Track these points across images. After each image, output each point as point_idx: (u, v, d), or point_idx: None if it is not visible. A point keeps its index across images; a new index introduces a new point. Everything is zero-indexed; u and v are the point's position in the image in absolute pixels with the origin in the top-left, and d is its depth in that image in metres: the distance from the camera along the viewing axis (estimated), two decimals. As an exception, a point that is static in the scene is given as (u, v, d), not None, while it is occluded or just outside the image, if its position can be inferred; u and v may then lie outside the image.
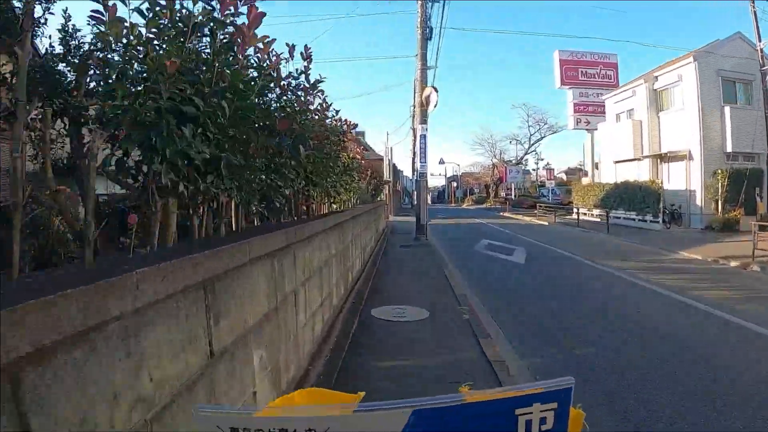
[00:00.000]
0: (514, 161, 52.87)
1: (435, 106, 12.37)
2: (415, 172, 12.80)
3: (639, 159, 21.29)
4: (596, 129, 28.66)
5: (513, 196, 42.19)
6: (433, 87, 12.32)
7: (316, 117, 4.09)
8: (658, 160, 20.85)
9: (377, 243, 11.84)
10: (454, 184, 65.48)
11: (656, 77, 20.88)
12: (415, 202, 14.12)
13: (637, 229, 18.83)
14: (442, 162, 54.34)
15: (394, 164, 30.75)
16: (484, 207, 44.46)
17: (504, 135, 63.42)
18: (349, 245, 6.07)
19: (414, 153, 40.90)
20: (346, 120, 5.68)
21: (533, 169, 58.65)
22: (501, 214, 31.56)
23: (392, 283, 7.12)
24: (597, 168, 29.39)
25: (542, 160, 59.08)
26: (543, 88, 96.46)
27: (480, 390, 0.74)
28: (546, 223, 22.48)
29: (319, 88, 3.83)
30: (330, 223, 4.21)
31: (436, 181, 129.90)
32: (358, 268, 7.18)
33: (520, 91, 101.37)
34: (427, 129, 12.60)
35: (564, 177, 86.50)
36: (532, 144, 52.01)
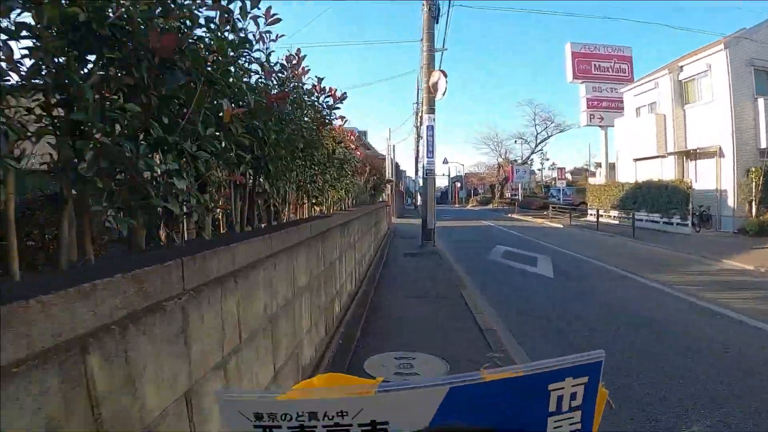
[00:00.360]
0: (519, 161, 51.21)
1: (444, 93, 10.74)
2: (421, 169, 11.16)
3: (663, 156, 19.59)
4: (611, 126, 27.07)
5: (520, 197, 40.69)
6: (441, 71, 10.68)
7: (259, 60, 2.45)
8: (684, 158, 19.15)
9: (378, 251, 10.22)
10: (458, 184, 63.69)
11: (681, 67, 19.19)
12: (420, 203, 12.38)
13: (663, 232, 17.17)
14: (446, 162, 52.68)
15: (396, 163, 29.12)
16: (490, 208, 42.78)
17: (509, 134, 61.84)
18: (335, 263, 4.43)
19: (417, 152, 39.20)
20: (331, 89, 4.04)
21: (539, 169, 57.07)
22: (509, 215, 29.93)
23: (395, 312, 5.46)
24: (612, 167, 27.90)
25: (548, 159, 57.55)
26: (550, 85, 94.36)
27: (507, 367, 0.72)
28: (560, 226, 20.79)
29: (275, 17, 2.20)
30: (295, 238, 2.58)
31: (439, 182, 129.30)
32: (350, 290, 5.53)
33: (526, 88, 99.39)
34: (434, 119, 10.97)
35: (569, 177, 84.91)
36: (539, 143, 49.94)
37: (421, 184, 43.93)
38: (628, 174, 22.05)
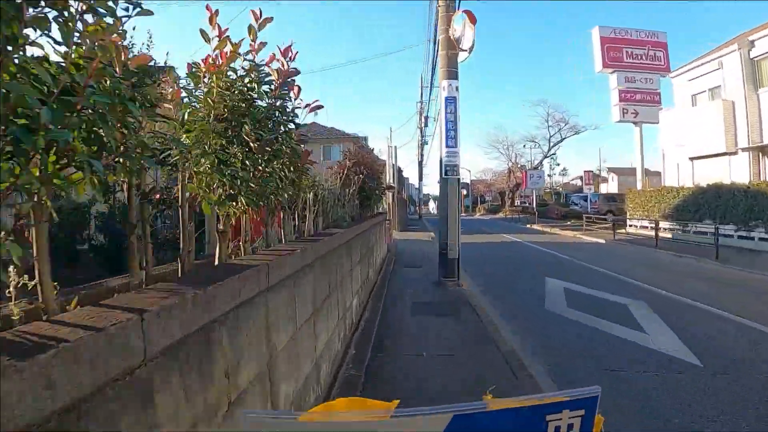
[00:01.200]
0: (530, 165, 47.30)
1: (471, 50, 6.85)
2: (441, 166, 7.07)
3: (732, 153, 15.63)
4: (647, 122, 23.19)
5: (534, 205, 36.67)
6: (466, 12, 6.76)
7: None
8: (760, 154, 15.20)
9: (369, 298, 6.23)
10: (464, 191, 59.74)
11: (753, 42, 15.29)
12: (437, 214, 8.26)
13: (748, 250, 13.17)
14: None
15: (399, 168, 25.21)
16: (501, 217, 38.92)
17: (520, 137, 57.46)
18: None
19: (420, 156, 35.61)
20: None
21: (549, 175, 53.27)
22: (529, 226, 25.92)
23: None
24: (645, 172, 24.11)
25: (558, 165, 53.68)
26: (563, 85, 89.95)
27: (508, 397, 0.76)
28: (602, 241, 16.73)
29: None
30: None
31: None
32: None
33: (538, 88, 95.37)
34: (457, 89, 7.04)
35: (579, 183, 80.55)
36: (552, 146, 46.42)
37: (426, 191, 39.03)
38: (683, 176, 18.07)
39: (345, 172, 5.38)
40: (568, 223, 27.00)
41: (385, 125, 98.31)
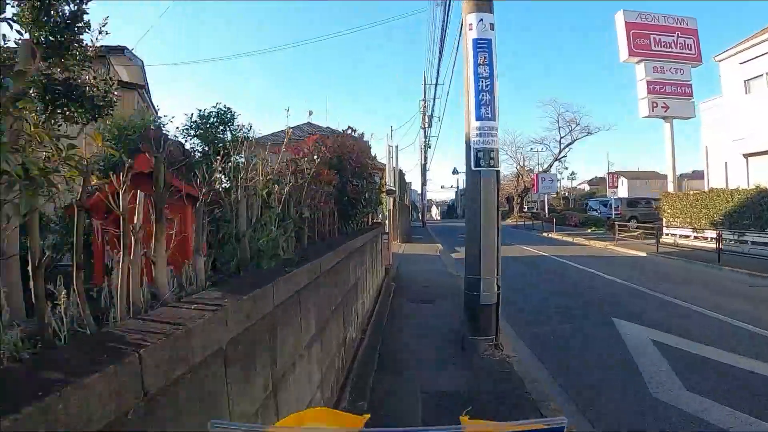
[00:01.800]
0: (540, 169, 44.51)
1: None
2: (469, 150, 4.28)
3: (803, 148, 12.97)
4: (680, 116, 20.57)
5: (545, 210, 33.73)
6: None
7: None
8: (839, 149, 12.49)
9: (348, 377, 3.52)
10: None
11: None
12: (468, 227, 4.79)
13: None
14: (455, 172, 46.11)
15: (401, 171, 22.47)
16: (511, 224, 35.91)
17: (527, 139, 54.28)
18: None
19: (424, 159, 33.21)
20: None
21: (558, 179, 50.74)
22: (546, 235, 23.11)
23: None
24: (676, 174, 21.46)
25: (566, 168, 50.73)
26: (576, 84, 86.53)
27: (480, 421, 0.80)
28: (643, 254, 13.94)
29: None
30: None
31: (444, 195, 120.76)
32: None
33: (547, 87, 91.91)
34: (493, 26, 4.33)
35: (587, 188, 77.28)
36: (563, 148, 42.88)
37: (430, 197, 36.28)
38: (734, 176, 15.33)
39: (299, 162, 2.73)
40: (588, 231, 24.23)
41: (386, 125, 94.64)
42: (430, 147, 31.44)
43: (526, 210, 44.76)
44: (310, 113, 21.09)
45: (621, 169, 60.14)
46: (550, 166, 43.19)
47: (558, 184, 41.66)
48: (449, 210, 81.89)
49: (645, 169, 64.00)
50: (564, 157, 43.45)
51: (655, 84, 21.51)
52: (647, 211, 26.85)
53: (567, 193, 56.57)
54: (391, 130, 26.91)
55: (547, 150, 44.80)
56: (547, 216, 32.68)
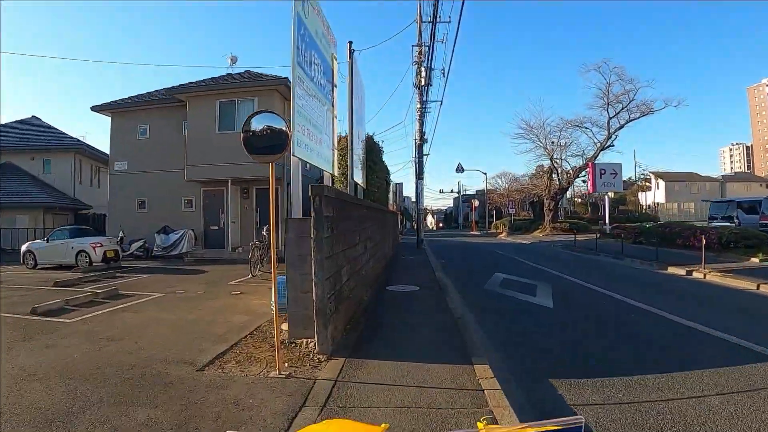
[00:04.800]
0: (578, 163, 33.08)
1: None
2: None
3: None
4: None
5: (607, 219, 25.69)
6: None
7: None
8: None
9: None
10: (476, 202, 49.86)
11: None
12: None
13: None
14: (460, 170, 39.40)
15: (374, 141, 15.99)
16: (544, 240, 26.72)
17: (561, 120, 37.52)
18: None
19: (418, 162, 25.87)
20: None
21: (582, 180, 43.15)
22: (674, 272, 11.23)
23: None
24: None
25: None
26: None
27: (498, 425, 0.79)
28: None
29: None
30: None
31: (439, 202, 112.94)
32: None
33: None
34: None
35: (610, 194, 70.57)
36: (613, 132, 31.01)
37: (423, 205, 26.10)
38: None
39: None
40: (757, 259, 12.15)
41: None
42: (426, 144, 23.96)
43: (562, 219, 35.12)
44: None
45: (657, 169, 53.46)
46: (594, 157, 31.40)
47: (620, 179, 30.15)
48: (446, 219, 75.53)
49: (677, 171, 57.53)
50: (611, 145, 31.71)
51: None
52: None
53: (593, 198, 50.22)
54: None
55: (587, 134, 34.72)
56: (607, 226, 24.36)
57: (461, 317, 5.94)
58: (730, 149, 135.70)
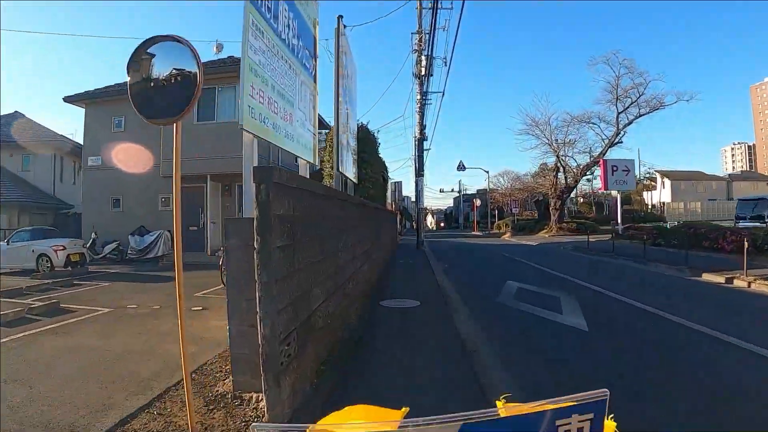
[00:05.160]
0: (585, 161, 31.73)
1: None
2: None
3: None
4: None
5: (619, 218, 23.99)
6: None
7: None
8: None
9: None
10: (477, 201, 48.16)
11: None
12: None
13: None
14: (462, 168, 37.61)
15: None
16: (550, 240, 25.94)
17: (567, 116, 36.84)
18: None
19: (417, 159, 24.06)
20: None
21: (587, 179, 41.66)
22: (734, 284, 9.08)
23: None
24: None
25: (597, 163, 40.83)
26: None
27: (517, 403, 0.76)
28: None
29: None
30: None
31: (438, 202, 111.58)
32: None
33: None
34: None
35: (614, 193, 68.55)
36: (621, 128, 29.37)
37: (424, 204, 24.16)
38: None
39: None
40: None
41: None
42: (427, 141, 22.38)
43: (568, 219, 33.19)
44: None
45: (662, 168, 51.99)
46: (602, 154, 29.84)
47: (632, 177, 27.71)
48: (447, 218, 74.06)
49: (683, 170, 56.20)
50: (620, 142, 29.95)
51: None
52: None
53: (597, 197, 48.62)
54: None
55: (594, 130, 32.99)
56: (619, 226, 22.97)
57: (476, 350, 4.46)
58: (732, 148, 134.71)
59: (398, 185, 38.79)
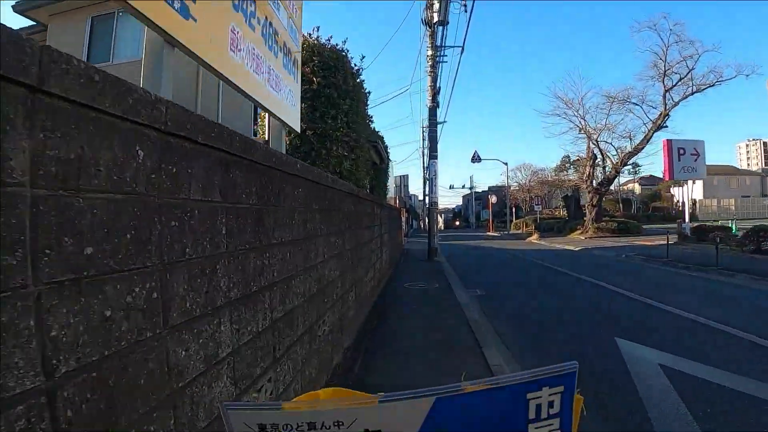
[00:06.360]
0: (625, 149, 26.01)
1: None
2: None
3: None
4: None
5: (687, 217, 18.52)
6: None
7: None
8: None
9: None
10: (493, 198, 42.74)
11: None
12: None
13: None
14: (477, 159, 32.73)
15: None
16: (597, 246, 18.49)
17: (605, 94, 31.69)
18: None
19: (426, 154, 17.90)
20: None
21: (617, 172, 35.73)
22: None
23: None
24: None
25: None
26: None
27: (487, 378, 0.74)
28: None
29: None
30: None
31: (450, 200, 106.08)
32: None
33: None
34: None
35: (637, 189, 62.31)
36: (669, 108, 23.22)
37: (437, 198, 15.97)
38: None
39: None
40: None
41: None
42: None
43: (606, 218, 26.52)
44: None
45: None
46: (647, 140, 24.24)
47: (702, 162, 20.86)
48: (455, 217, 69.91)
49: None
50: (665, 126, 23.68)
51: None
52: None
53: (627, 193, 43.35)
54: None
55: (632, 111, 28.27)
56: (686, 224, 17.74)
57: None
58: (747, 145, 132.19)
59: (404, 179, 33.90)
